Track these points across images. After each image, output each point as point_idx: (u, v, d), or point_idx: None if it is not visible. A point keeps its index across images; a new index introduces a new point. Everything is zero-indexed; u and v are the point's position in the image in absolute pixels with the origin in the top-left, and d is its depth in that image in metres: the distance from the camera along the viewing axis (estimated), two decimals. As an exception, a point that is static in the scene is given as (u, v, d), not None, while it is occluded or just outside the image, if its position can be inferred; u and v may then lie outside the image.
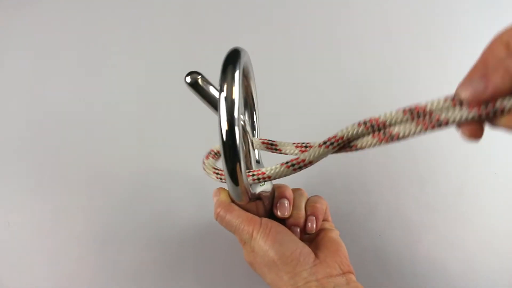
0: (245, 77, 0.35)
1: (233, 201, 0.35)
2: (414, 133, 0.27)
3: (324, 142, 0.31)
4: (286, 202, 0.36)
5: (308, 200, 0.38)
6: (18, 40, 0.56)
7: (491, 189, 0.55)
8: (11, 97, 0.55)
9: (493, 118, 0.24)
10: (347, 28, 0.59)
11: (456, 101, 0.25)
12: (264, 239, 0.32)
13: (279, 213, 0.36)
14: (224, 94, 0.26)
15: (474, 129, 0.25)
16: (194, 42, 0.57)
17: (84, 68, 0.56)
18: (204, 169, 0.35)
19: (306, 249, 0.33)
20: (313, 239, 0.37)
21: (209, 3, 0.58)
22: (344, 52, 0.58)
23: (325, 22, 0.59)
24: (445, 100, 0.26)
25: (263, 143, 0.36)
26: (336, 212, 0.53)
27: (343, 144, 0.30)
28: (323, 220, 0.39)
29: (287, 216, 0.36)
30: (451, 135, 0.55)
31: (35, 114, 0.54)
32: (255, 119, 0.38)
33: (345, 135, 0.30)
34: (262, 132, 0.40)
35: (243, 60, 0.28)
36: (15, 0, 0.57)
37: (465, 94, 0.24)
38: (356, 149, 0.30)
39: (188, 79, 0.31)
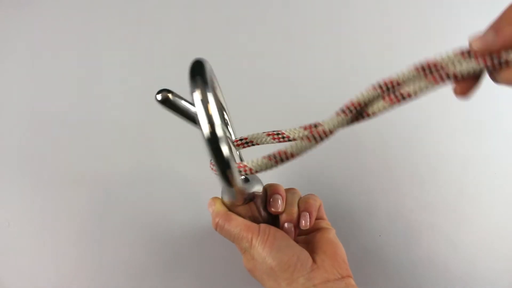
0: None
1: (229, 209, 0.35)
2: (425, 89, 0.27)
3: (342, 110, 0.29)
4: (278, 197, 0.36)
5: (301, 197, 0.38)
6: (18, 40, 0.56)
7: (491, 189, 0.55)
8: (11, 97, 0.55)
9: (497, 71, 0.25)
10: (346, 27, 0.59)
11: (465, 53, 0.25)
12: (262, 246, 0.32)
13: (272, 209, 0.36)
14: (198, 97, 0.26)
15: (467, 86, 0.26)
16: (194, 41, 0.57)
17: (84, 68, 0.56)
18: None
19: (303, 254, 0.33)
20: (310, 241, 0.37)
21: (209, 4, 0.58)
22: (343, 51, 0.58)
23: (324, 22, 0.59)
24: (455, 53, 0.26)
25: (237, 145, 0.36)
26: (336, 212, 0.53)
27: (357, 111, 0.29)
28: (318, 219, 0.39)
29: (280, 211, 0.36)
30: (451, 135, 0.55)
31: (35, 114, 0.54)
32: (229, 127, 0.38)
33: (360, 100, 0.28)
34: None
35: (207, 67, 0.29)
36: (15, 0, 0.57)
37: (476, 45, 0.25)
38: (369, 117, 0.29)
39: (159, 97, 0.32)
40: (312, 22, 0.58)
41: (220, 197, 0.36)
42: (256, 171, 0.32)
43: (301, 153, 0.30)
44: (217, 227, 0.34)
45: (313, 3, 0.58)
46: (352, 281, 0.33)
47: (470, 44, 0.25)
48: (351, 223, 0.53)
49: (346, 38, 0.58)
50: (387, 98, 0.28)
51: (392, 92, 0.28)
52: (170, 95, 0.32)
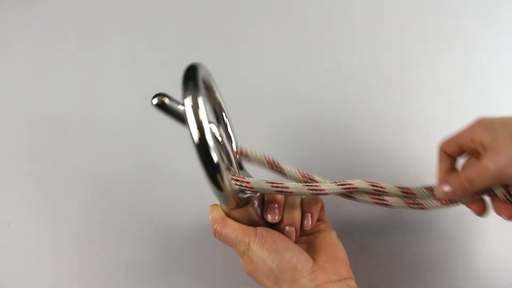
0: (209, 90, 0.35)
1: (227, 215, 0.36)
2: (401, 207, 0.37)
3: (339, 183, 0.36)
4: (275, 206, 0.36)
5: (302, 198, 0.38)
6: (17, 40, 0.56)
7: (491, 189, 0.55)
8: (11, 98, 0.55)
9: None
10: (345, 26, 0.59)
11: (434, 193, 0.37)
12: (261, 249, 0.33)
13: (269, 218, 0.36)
14: (189, 102, 0.27)
15: (480, 207, 0.37)
16: (195, 41, 0.57)
17: (84, 68, 0.56)
18: None
19: (303, 256, 0.33)
20: (311, 243, 0.37)
21: (209, 6, 0.58)
22: (341, 51, 0.58)
23: (324, 22, 0.59)
24: (427, 189, 0.38)
25: (236, 154, 0.37)
26: (336, 212, 0.53)
27: (349, 190, 0.36)
28: (320, 220, 0.39)
29: (277, 220, 0.36)
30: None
31: (35, 114, 0.54)
32: (229, 130, 0.38)
33: (355, 185, 0.36)
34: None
35: (200, 73, 0.29)
36: (15, 0, 0.57)
37: (439, 195, 0.36)
38: (354, 200, 0.38)
39: (155, 101, 0.32)
40: (312, 26, 0.58)
41: (219, 204, 0.36)
42: (257, 192, 0.34)
43: (300, 195, 0.35)
44: (215, 233, 0.35)
45: (313, 5, 0.58)
46: (353, 283, 0.33)
47: (436, 190, 0.36)
48: (351, 223, 0.53)
49: (345, 41, 0.58)
50: (372, 196, 0.37)
51: (377, 194, 0.37)
52: (166, 99, 0.32)
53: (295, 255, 0.33)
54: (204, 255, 0.51)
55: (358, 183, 0.36)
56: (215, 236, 0.35)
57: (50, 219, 0.51)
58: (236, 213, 0.35)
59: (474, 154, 0.36)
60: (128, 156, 0.53)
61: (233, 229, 0.34)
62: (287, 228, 0.36)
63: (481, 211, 0.37)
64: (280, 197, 0.37)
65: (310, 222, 0.37)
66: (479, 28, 0.57)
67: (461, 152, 0.37)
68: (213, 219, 0.36)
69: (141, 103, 0.55)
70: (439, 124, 0.55)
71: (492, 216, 0.54)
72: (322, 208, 0.39)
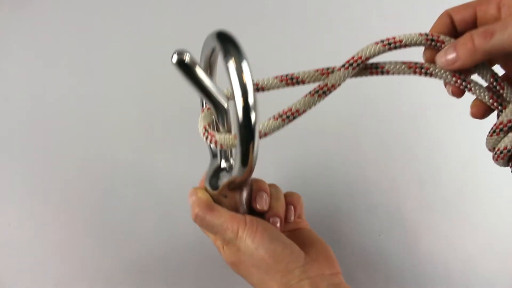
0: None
1: (214, 200, 0.34)
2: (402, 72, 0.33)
3: (343, 65, 0.32)
4: (264, 195, 0.35)
5: (284, 192, 0.38)
6: (16, 39, 0.56)
7: (490, 189, 0.55)
8: (10, 97, 0.54)
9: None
10: (346, 26, 0.59)
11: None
12: (252, 237, 0.31)
13: (258, 206, 0.34)
14: (232, 65, 0.25)
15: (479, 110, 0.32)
16: (195, 42, 0.57)
17: (85, 68, 0.56)
18: (199, 122, 0.33)
19: (294, 247, 0.32)
20: (295, 238, 0.35)
21: (211, 5, 0.58)
22: (343, 51, 0.58)
23: (325, 21, 0.59)
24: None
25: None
26: (336, 212, 0.53)
27: (363, 65, 0.32)
28: (299, 218, 0.38)
29: (266, 209, 0.35)
30: (451, 135, 0.55)
31: (35, 114, 0.54)
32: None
33: (364, 55, 0.32)
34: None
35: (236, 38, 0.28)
36: (15, 0, 0.57)
37: (439, 64, 0.30)
38: (380, 72, 0.33)
39: (175, 59, 0.28)
40: (311, 23, 0.58)
41: (204, 187, 0.35)
42: (270, 133, 0.32)
43: (308, 108, 0.32)
44: (196, 218, 0.32)
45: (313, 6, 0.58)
46: (342, 279, 0.33)
47: (436, 59, 0.31)
48: (351, 223, 0.53)
49: (346, 40, 0.58)
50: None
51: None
52: (187, 58, 0.28)
53: (288, 245, 0.32)
54: (206, 256, 0.51)
55: (368, 48, 0.32)
56: (195, 221, 0.33)
57: (50, 219, 0.51)
58: (223, 198, 0.33)
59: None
60: (129, 156, 0.53)
61: (220, 214, 0.32)
62: (271, 219, 0.34)
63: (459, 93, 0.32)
64: (267, 187, 0.36)
65: (293, 215, 0.36)
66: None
67: (472, 23, 0.30)
68: (196, 202, 0.33)
69: (141, 103, 0.55)
70: (440, 125, 0.55)
71: (492, 216, 0.54)
72: (302, 204, 0.38)
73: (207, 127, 0.31)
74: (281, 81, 0.33)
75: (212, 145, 0.31)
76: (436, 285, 0.51)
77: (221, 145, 0.30)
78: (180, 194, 0.52)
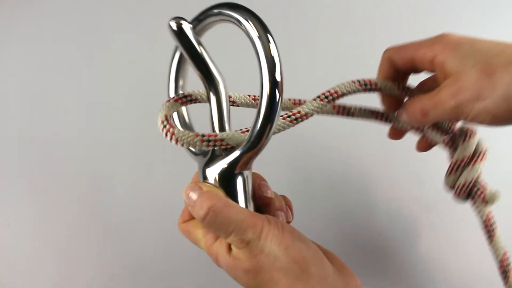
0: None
1: None
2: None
3: (318, 96, 0.32)
4: (266, 183, 0.32)
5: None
6: (16, 39, 0.56)
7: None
8: (10, 98, 0.54)
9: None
10: (348, 27, 0.59)
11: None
12: (279, 238, 0.26)
13: (264, 194, 0.31)
14: (255, 33, 0.24)
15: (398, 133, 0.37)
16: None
17: (85, 68, 0.56)
18: (160, 111, 0.28)
19: (320, 252, 0.28)
20: None
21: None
22: (345, 51, 0.58)
23: (325, 22, 0.59)
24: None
25: (176, 100, 0.31)
26: (336, 212, 0.53)
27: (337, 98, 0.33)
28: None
29: (270, 196, 0.31)
30: (451, 135, 0.55)
31: (35, 114, 0.54)
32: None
33: (340, 91, 0.32)
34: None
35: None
36: (15, 0, 0.57)
37: (402, 121, 0.34)
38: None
39: (173, 25, 0.26)
40: (315, 26, 0.58)
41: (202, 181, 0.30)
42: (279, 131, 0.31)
43: (316, 113, 0.32)
44: (208, 213, 0.26)
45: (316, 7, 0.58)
46: None
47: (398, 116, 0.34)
48: (351, 223, 0.53)
49: (348, 42, 0.58)
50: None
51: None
52: (185, 26, 0.26)
53: (317, 248, 0.28)
54: (206, 256, 0.51)
55: (345, 85, 0.33)
56: (205, 217, 0.26)
57: (50, 219, 0.51)
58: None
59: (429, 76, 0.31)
60: (129, 156, 0.53)
61: (238, 210, 0.27)
62: (277, 212, 0.31)
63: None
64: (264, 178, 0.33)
65: (291, 216, 0.33)
66: (479, 26, 0.57)
67: (411, 68, 0.32)
68: (206, 196, 0.27)
69: (141, 104, 0.55)
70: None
71: (494, 218, 0.54)
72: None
73: (168, 117, 0.27)
74: (254, 100, 0.33)
75: (168, 139, 0.27)
76: (436, 285, 0.51)
77: (176, 140, 0.26)
78: (179, 194, 0.52)
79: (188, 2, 0.59)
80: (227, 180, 0.29)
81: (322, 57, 0.57)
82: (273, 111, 0.25)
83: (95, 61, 0.56)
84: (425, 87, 0.34)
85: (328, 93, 0.32)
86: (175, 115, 0.33)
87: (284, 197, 0.34)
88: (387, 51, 0.33)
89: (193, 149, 0.32)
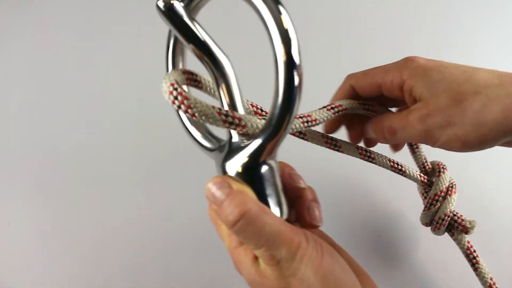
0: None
1: None
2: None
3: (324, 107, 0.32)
4: (296, 172, 0.28)
5: None
6: (16, 40, 0.56)
7: (490, 189, 0.55)
8: (10, 98, 0.54)
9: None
10: (348, 28, 0.59)
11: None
12: (317, 263, 0.22)
13: (296, 184, 0.27)
14: (263, 6, 0.20)
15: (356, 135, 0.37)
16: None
17: (85, 68, 0.56)
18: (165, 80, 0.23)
19: (358, 283, 0.25)
20: None
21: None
22: (344, 52, 0.58)
23: (326, 23, 0.59)
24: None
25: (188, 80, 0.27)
26: (336, 212, 0.53)
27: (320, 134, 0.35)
28: None
29: (304, 186, 0.27)
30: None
31: (35, 114, 0.54)
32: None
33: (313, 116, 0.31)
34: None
35: None
36: (15, 0, 0.57)
37: (369, 136, 0.35)
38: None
39: (160, 3, 0.23)
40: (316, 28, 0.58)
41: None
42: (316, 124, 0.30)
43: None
44: (239, 221, 0.21)
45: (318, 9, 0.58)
46: None
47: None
48: (351, 223, 0.53)
49: (347, 44, 0.58)
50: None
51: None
52: (176, 4, 0.23)
53: (354, 277, 0.24)
54: (206, 256, 0.51)
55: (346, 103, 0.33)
56: (233, 226, 0.22)
57: (50, 219, 0.51)
58: None
59: (395, 100, 0.31)
60: (129, 156, 0.53)
61: (274, 221, 0.22)
62: (313, 204, 0.27)
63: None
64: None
65: (321, 219, 0.28)
66: (479, 25, 0.57)
67: (376, 94, 0.31)
68: (242, 197, 0.22)
69: (142, 105, 0.55)
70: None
71: (492, 216, 0.54)
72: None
73: (175, 84, 0.21)
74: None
75: (182, 112, 0.22)
76: (436, 285, 0.51)
77: (193, 114, 0.21)
78: (182, 194, 0.52)
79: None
80: (252, 173, 0.24)
81: (322, 58, 0.57)
82: (293, 102, 0.21)
83: (95, 61, 0.56)
84: (388, 105, 0.35)
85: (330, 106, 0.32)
86: None
87: (308, 188, 0.29)
88: (350, 78, 0.33)
89: (208, 144, 0.28)
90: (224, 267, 0.46)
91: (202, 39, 0.24)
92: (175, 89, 0.21)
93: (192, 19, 0.24)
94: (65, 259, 0.50)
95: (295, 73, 0.21)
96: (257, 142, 0.24)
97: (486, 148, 0.27)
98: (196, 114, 0.21)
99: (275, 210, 0.25)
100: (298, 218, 0.27)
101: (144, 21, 0.57)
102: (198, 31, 0.24)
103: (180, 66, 0.29)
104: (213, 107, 0.22)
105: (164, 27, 0.25)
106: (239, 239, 0.24)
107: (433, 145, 0.29)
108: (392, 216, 0.53)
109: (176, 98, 0.21)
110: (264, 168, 0.24)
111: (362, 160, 0.39)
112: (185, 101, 0.21)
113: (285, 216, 0.25)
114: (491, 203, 0.55)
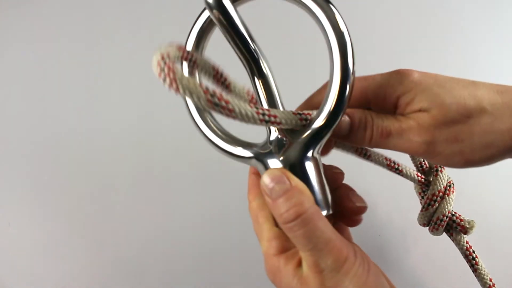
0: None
1: None
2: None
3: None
4: (340, 170, 0.27)
5: None
6: (18, 40, 0.56)
7: (490, 189, 0.55)
8: (12, 100, 0.54)
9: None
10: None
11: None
12: (362, 281, 0.21)
13: (337, 171, 0.27)
14: (322, 16, 0.21)
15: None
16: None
17: (85, 68, 0.56)
18: (158, 54, 0.21)
19: None
20: None
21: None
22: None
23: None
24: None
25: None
26: (336, 212, 0.53)
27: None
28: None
29: (340, 171, 0.27)
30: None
31: (35, 115, 0.54)
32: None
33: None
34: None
35: None
36: (15, 0, 0.57)
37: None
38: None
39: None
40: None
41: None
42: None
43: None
44: (294, 220, 0.21)
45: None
46: None
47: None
48: (351, 223, 0.53)
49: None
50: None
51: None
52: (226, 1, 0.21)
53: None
54: (206, 256, 0.51)
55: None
56: (287, 223, 0.21)
57: (50, 219, 0.51)
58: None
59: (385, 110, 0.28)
60: (128, 157, 0.53)
61: (326, 227, 0.22)
62: (353, 192, 0.27)
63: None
64: None
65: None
66: (480, 25, 0.57)
67: (361, 106, 0.28)
68: (296, 195, 0.22)
69: (142, 106, 0.55)
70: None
71: (492, 216, 0.54)
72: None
73: (165, 56, 0.20)
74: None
75: (167, 86, 0.20)
76: (436, 285, 0.51)
77: (176, 88, 0.20)
78: (182, 194, 0.52)
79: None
80: (300, 168, 0.24)
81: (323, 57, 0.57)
82: (344, 103, 0.22)
83: (95, 61, 0.56)
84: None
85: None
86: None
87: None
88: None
89: (242, 154, 0.26)
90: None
91: (245, 38, 0.24)
92: (164, 61, 0.20)
93: (239, 15, 0.23)
94: (65, 259, 0.50)
95: (349, 79, 0.22)
96: (305, 137, 0.24)
97: (486, 165, 0.26)
98: (180, 89, 0.20)
99: (325, 209, 0.24)
100: (337, 211, 0.27)
101: (145, 16, 0.57)
102: (243, 28, 0.23)
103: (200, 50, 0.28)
104: (202, 87, 0.21)
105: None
106: (280, 246, 0.24)
107: (431, 159, 0.26)
108: (392, 216, 0.53)
109: (162, 70, 0.20)
110: (313, 163, 0.24)
111: (361, 160, 0.39)
112: (171, 74, 0.20)
113: (331, 212, 0.25)
114: (490, 202, 0.55)
